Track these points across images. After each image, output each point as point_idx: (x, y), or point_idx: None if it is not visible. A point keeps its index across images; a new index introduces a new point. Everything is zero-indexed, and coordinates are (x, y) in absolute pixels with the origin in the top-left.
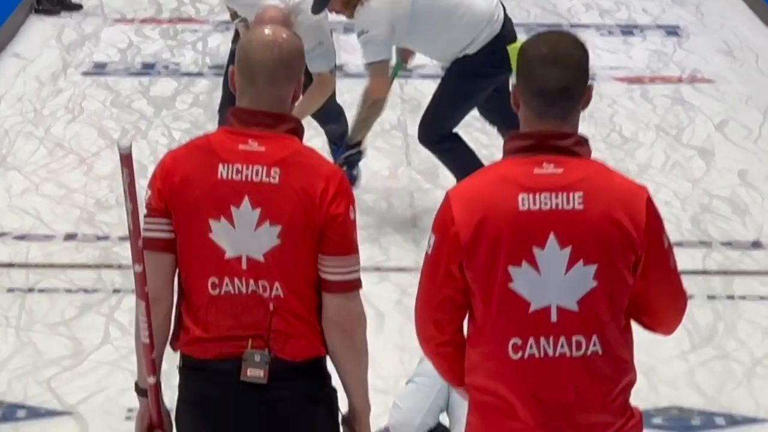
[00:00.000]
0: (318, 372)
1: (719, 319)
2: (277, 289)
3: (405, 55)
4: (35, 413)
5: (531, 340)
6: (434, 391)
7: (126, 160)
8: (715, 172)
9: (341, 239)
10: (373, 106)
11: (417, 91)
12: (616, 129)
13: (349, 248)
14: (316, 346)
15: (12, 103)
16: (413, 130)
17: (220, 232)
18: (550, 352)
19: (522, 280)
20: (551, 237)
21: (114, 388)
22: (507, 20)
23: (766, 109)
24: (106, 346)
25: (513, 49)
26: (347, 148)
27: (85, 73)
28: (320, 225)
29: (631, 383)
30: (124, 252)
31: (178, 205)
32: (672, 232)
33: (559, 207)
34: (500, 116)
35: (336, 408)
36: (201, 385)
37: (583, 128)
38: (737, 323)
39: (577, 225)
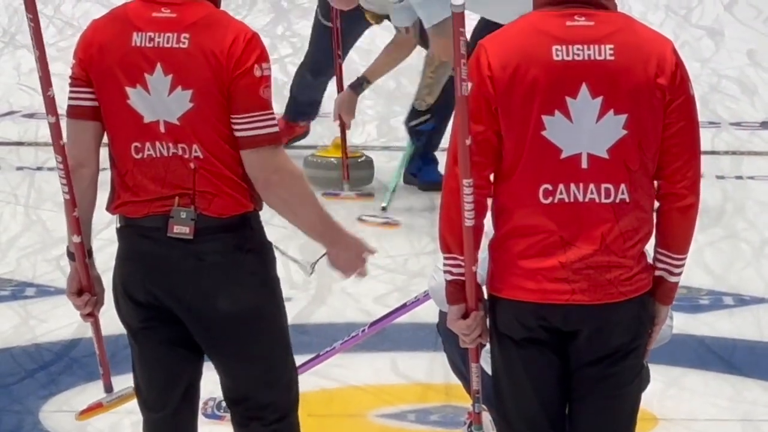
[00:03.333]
0: (246, 225)
1: (728, 199)
2: (196, 150)
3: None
4: (44, 291)
5: (561, 186)
6: None
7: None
8: (724, 52)
9: (248, 97)
10: (439, 68)
11: None
12: (625, 9)
13: (257, 104)
14: (242, 203)
15: None
16: None
17: (136, 98)
18: (580, 198)
19: (555, 128)
20: (583, 87)
21: None
22: None
23: None
24: (114, 225)
25: None
26: (415, 115)
27: None
28: (227, 83)
29: (650, 234)
30: None
31: (96, 74)
32: None
33: (591, 58)
34: None
35: (269, 259)
36: (132, 241)
37: None
38: (746, 203)
39: (608, 75)
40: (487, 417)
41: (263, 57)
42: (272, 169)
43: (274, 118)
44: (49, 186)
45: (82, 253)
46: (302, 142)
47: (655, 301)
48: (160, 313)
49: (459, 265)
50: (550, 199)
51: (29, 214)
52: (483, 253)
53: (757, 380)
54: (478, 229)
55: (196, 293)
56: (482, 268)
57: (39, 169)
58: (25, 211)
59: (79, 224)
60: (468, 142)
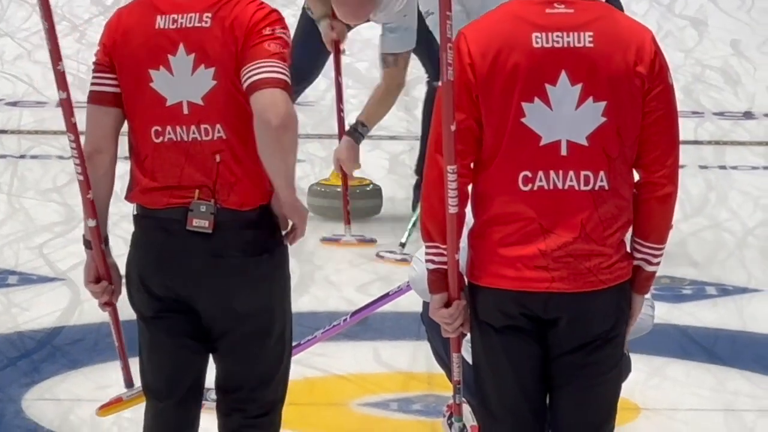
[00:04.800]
0: (263, 220)
1: (711, 189)
2: (219, 131)
3: None
4: (27, 279)
5: (540, 174)
6: None
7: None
8: (707, 42)
9: (254, 49)
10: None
11: None
12: None
13: (263, 53)
14: (260, 194)
15: None
16: None
17: (159, 80)
18: (560, 185)
19: (534, 115)
20: (563, 74)
21: None
22: None
23: None
24: None
25: None
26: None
27: None
28: (241, 50)
29: (629, 222)
30: None
31: (120, 58)
32: None
33: (571, 45)
34: None
35: (285, 258)
36: (149, 231)
37: None
38: (729, 193)
39: (587, 63)
40: (467, 408)
41: (277, 22)
42: (276, 110)
43: (284, 69)
44: (32, 174)
45: (98, 238)
46: None
47: (631, 291)
48: (174, 304)
49: (441, 254)
50: (529, 186)
51: (12, 202)
52: (462, 243)
53: (739, 370)
54: (460, 218)
55: (212, 289)
56: (461, 257)
57: (22, 157)
58: (8, 199)
59: (95, 207)
60: (453, 128)
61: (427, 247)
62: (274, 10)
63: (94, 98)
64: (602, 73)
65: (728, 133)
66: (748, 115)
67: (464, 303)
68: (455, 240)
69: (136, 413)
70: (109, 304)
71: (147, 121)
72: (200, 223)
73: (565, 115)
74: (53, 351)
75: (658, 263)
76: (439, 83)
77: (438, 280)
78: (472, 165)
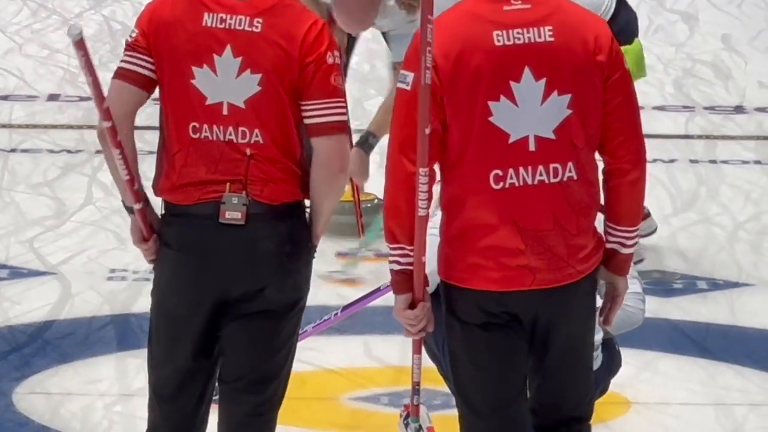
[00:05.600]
0: (296, 215)
1: (702, 183)
2: (257, 135)
3: None
4: (18, 273)
5: (511, 171)
6: None
7: (79, 45)
8: (698, 36)
9: (320, 83)
10: None
11: None
12: None
13: (329, 91)
14: (294, 191)
15: None
16: None
17: (202, 78)
18: (530, 181)
19: (501, 113)
20: (526, 70)
21: (96, 249)
22: (623, 11)
23: None
24: (89, 207)
25: (630, 52)
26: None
27: None
28: (298, 69)
29: (597, 207)
30: None
31: (162, 49)
32: (654, 96)
33: (532, 41)
34: None
35: (312, 253)
36: (181, 230)
37: None
38: (720, 188)
39: (549, 57)
40: (423, 409)
41: (333, 45)
42: (340, 156)
43: (345, 106)
44: (22, 168)
45: (137, 198)
46: None
47: (612, 274)
48: (202, 307)
49: (407, 255)
50: (501, 185)
51: (2, 196)
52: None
53: (730, 364)
54: (425, 219)
55: (246, 280)
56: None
57: (13, 151)
58: None
59: (137, 193)
60: (427, 131)
61: (391, 248)
62: (325, 25)
63: (125, 75)
64: (565, 66)
65: (719, 127)
66: (738, 109)
67: (429, 305)
68: (423, 242)
69: (126, 407)
70: (153, 269)
71: (185, 116)
72: (233, 215)
73: (531, 111)
74: (44, 345)
75: (633, 245)
76: (401, 85)
77: (402, 281)
78: (435, 167)
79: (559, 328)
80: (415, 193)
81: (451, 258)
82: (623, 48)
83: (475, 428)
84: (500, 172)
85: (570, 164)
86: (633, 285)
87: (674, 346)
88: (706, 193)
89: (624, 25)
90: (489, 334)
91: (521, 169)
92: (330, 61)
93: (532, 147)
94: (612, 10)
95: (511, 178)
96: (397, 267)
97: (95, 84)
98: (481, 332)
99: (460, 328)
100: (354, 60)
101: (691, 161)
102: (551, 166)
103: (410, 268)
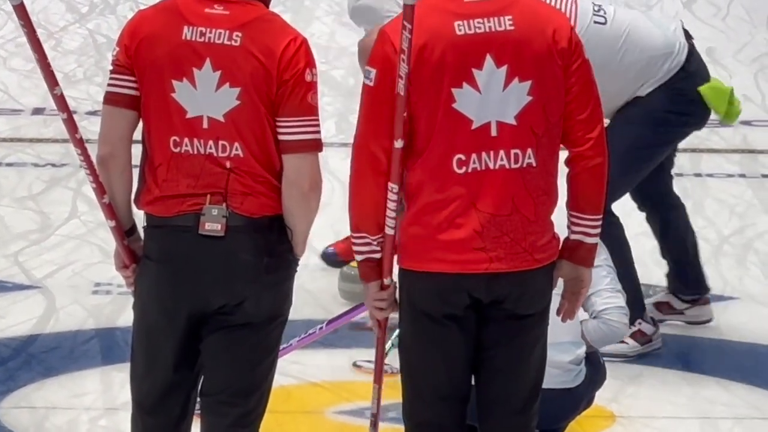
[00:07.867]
0: (276, 228)
1: (687, 197)
2: (236, 149)
3: None
4: (2, 287)
5: (474, 156)
6: None
7: (19, 10)
8: None
9: (296, 99)
10: None
11: None
12: None
13: (303, 109)
14: (274, 205)
15: None
16: None
17: (182, 92)
18: (491, 165)
19: (464, 100)
20: (488, 58)
21: (81, 263)
22: (693, 51)
23: None
24: (74, 221)
25: (710, 90)
26: None
27: None
28: (277, 84)
29: (555, 201)
30: (91, 126)
31: (142, 63)
32: None
33: (493, 29)
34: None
35: (293, 266)
36: (161, 241)
37: None
38: (705, 201)
39: (510, 45)
40: None
41: (312, 62)
42: (311, 176)
43: (318, 124)
44: (7, 182)
45: (120, 235)
46: None
47: (577, 266)
48: (181, 319)
49: (369, 243)
50: (463, 169)
51: None
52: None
53: (715, 378)
54: (392, 237)
55: (225, 292)
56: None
57: None
58: None
59: (112, 209)
60: (398, 144)
61: (354, 237)
62: (304, 41)
63: (112, 100)
64: (526, 53)
65: (704, 140)
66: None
67: (394, 286)
68: (391, 241)
69: (111, 421)
70: (134, 285)
71: (166, 130)
72: (213, 226)
73: (493, 97)
74: (29, 359)
75: (596, 234)
76: (366, 81)
77: (370, 269)
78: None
79: (515, 313)
80: (379, 188)
81: (407, 243)
82: (701, 89)
83: (419, 413)
84: (463, 157)
85: (529, 150)
86: (616, 299)
87: (659, 359)
88: (691, 206)
89: (699, 63)
90: (443, 330)
91: (483, 154)
92: (308, 78)
93: (494, 132)
94: (686, 50)
95: (474, 162)
96: (360, 257)
97: (39, 50)
98: (435, 327)
99: (414, 320)
100: (340, 73)
101: (677, 174)
102: (512, 151)
103: (375, 256)
